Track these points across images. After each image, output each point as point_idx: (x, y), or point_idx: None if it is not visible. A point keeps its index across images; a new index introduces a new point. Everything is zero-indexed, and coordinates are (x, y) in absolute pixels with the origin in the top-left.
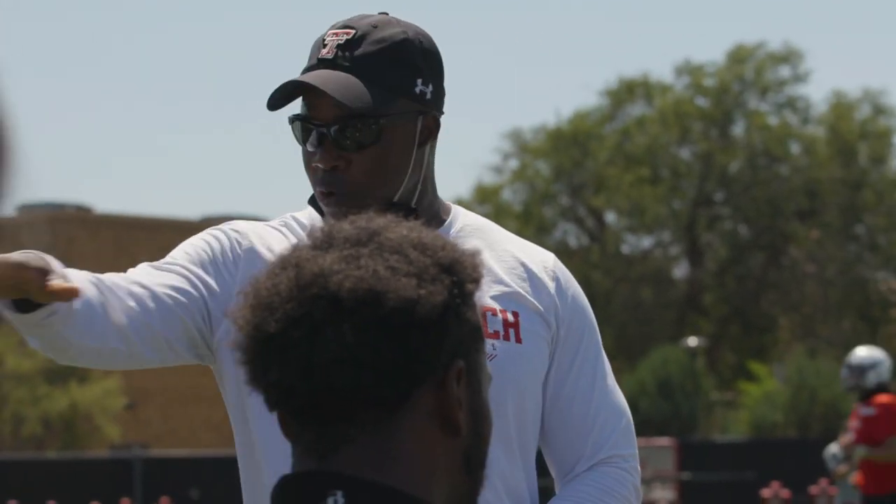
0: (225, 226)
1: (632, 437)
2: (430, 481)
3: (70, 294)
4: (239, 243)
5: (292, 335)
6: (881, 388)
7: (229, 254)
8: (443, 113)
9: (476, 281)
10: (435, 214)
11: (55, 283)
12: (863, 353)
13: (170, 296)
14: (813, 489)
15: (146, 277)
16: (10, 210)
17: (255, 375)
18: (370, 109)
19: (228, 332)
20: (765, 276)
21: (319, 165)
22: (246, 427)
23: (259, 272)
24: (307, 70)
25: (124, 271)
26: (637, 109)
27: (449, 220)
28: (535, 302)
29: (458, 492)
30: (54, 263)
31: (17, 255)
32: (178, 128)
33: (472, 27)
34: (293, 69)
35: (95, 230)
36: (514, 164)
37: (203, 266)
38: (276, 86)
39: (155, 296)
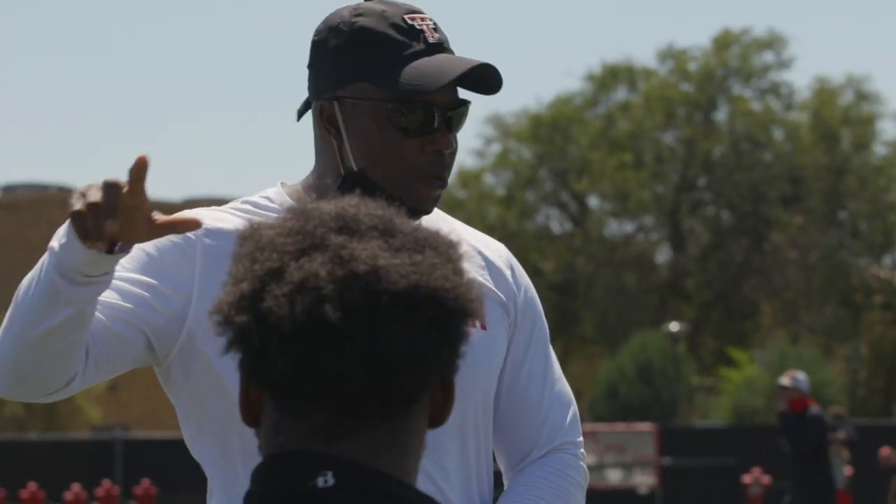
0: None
1: (579, 425)
2: (416, 468)
3: (189, 225)
4: (193, 240)
5: (353, 325)
6: None
7: (181, 257)
8: None
9: None
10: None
11: (167, 218)
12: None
13: (118, 322)
14: None
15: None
16: None
17: (303, 358)
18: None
19: (205, 332)
20: (747, 261)
21: (444, 150)
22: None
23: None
24: (416, 55)
25: None
26: (620, 95)
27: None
28: (496, 290)
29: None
30: None
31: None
32: (162, 110)
33: (452, 11)
34: (274, 53)
35: None
36: (495, 148)
37: (150, 273)
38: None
39: (109, 322)
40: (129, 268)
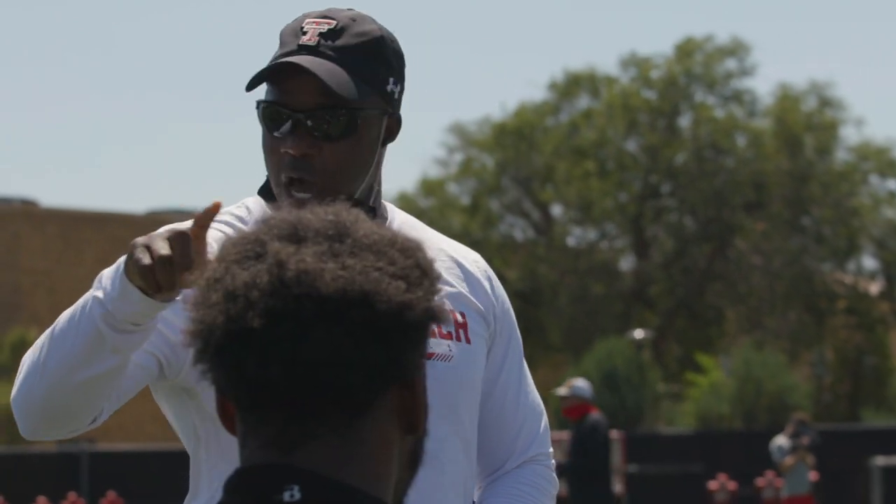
0: None
1: (548, 436)
2: (388, 479)
3: (216, 209)
4: None
5: (277, 332)
6: None
7: None
8: (401, 116)
9: (438, 280)
10: (381, 213)
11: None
12: None
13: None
14: (759, 481)
15: None
16: None
17: (225, 367)
18: (353, 99)
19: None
20: (711, 268)
21: (290, 151)
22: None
23: (215, 260)
24: (286, 55)
25: (70, 266)
26: (583, 103)
27: (389, 218)
28: (476, 301)
29: (399, 487)
30: None
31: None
32: (125, 120)
33: (416, 18)
34: (246, 61)
35: (41, 224)
36: (458, 157)
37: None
38: (260, 68)
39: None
40: None
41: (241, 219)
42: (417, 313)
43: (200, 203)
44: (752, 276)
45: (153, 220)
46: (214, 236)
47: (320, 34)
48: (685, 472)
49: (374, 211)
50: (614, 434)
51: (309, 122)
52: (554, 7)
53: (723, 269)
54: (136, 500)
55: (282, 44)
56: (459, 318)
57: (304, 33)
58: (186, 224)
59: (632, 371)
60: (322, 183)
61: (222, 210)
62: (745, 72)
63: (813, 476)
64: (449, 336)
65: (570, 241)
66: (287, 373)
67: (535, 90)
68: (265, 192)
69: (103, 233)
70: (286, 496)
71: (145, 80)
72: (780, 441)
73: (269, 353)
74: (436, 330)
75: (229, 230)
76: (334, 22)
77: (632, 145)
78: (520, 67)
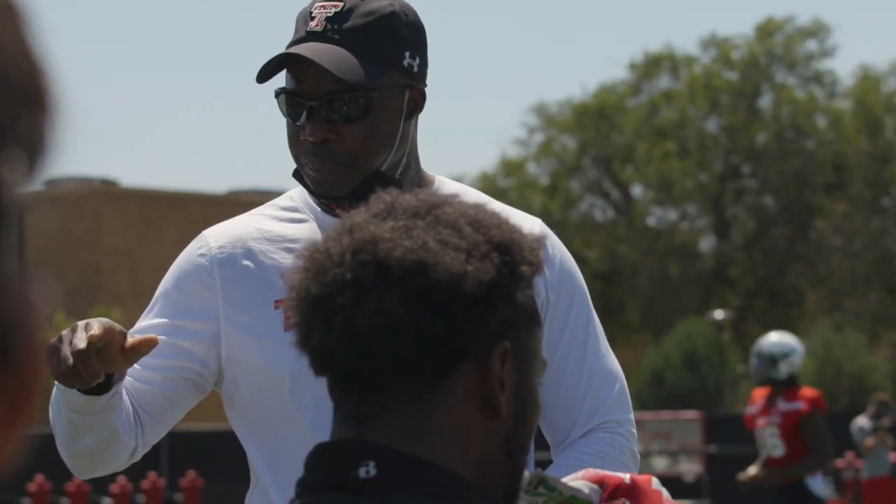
0: (194, 247)
1: (626, 402)
2: (464, 458)
3: (151, 344)
4: (208, 265)
5: (338, 299)
6: (792, 379)
7: (202, 288)
8: (426, 85)
9: (532, 264)
10: (418, 186)
11: (132, 340)
12: (774, 339)
13: (173, 377)
14: (839, 462)
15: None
16: (35, 185)
17: (302, 338)
18: (362, 82)
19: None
20: (791, 249)
21: (309, 139)
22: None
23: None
24: (295, 43)
25: (151, 246)
26: (663, 83)
27: (435, 189)
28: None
29: (498, 475)
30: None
31: (93, 320)
32: (205, 99)
33: (494, 4)
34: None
35: (122, 204)
36: (539, 137)
37: (178, 315)
38: (268, 59)
39: (163, 379)
40: (158, 314)
41: (285, 208)
42: (474, 285)
43: (281, 183)
44: (833, 258)
45: (234, 199)
46: (262, 229)
47: (327, 18)
48: None
49: (398, 182)
50: (694, 415)
51: (323, 110)
52: None
53: (803, 250)
54: (216, 480)
55: (295, 30)
56: None
57: (312, 18)
58: (98, 321)
59: (712, 352)
60: (343, 163)
61: (268, 203)
62: (826, 53)
63: (894, 457)
64: None
65: (651, 222)
66: (346, 341)
67: (615, 70)
68: (299, 175)
69: (184, 213)
70: (362, 472)
71: (227, 59)
72: (862, 422)
73: (331, 322)
74: None
75: (274, 222)
76: (341, 4)
77: (712, 126)
78: (600, 48)
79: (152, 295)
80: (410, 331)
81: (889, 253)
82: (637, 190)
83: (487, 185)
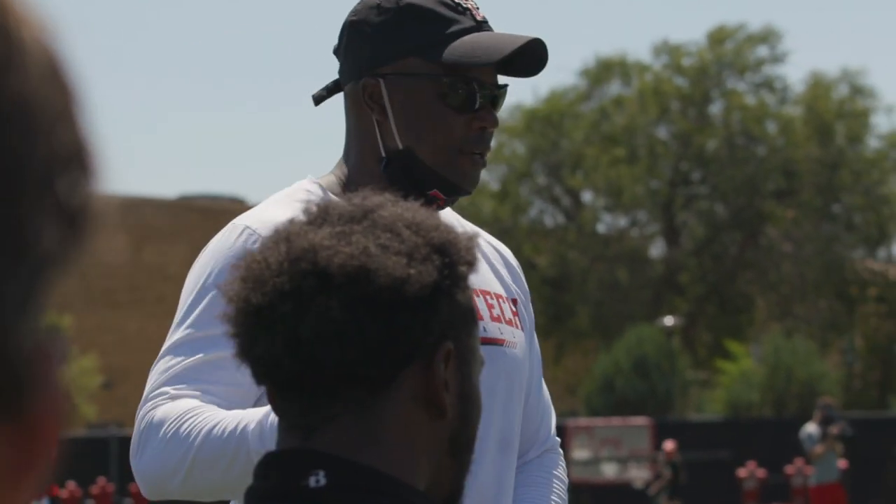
0: (237, 237)
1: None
2: (413, 463)
3: None
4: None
5: (279, 308)
6: None
7: None
8: None
9: (469, 263)
10: None
11: None
12: None
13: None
14: (789, 468)
15: (205, 388)
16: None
17: (243, 348)
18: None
19: None
20: (742, 255)
21: (488, 127)
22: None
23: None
24: (465, 31)
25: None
26: (614, 89)
27: None
28: (517, 289)
29: (444, 475)
30: None
31: None
32: (156, 104)
33: None
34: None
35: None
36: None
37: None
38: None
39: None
40: (212, 323)
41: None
42: (416, 288)
43: (232, 188)
44: (783, 264)
45: (184, 204)
46: (281, 214)
47: (477, 9)
48: (714, 459)
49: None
50: (644, 421)
51: (497, 98)
52: None
53: (753, 256)
54: None
55: (440, 20)
56: (512, 305)
57: (468, 9)
58: None
59: (661, 358)
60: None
61: (283, 193)
62: (777, 59)
63: (842, 464)
64: (510, 323)
65: (600, 228)
66: (290, 350)
67: (566, 76)
68: (393, 169)
69: (134, 217)
70: (311, 481)
71: (186, 62)
72: (810, 429)
73: (274, 331)
74: (504, 316)
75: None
76: None
77: (663, 132)
78: (551, 53)
79: (102, 300)
80: (355, 337)
81: (839, 259)
82: (587, 196)
83: None
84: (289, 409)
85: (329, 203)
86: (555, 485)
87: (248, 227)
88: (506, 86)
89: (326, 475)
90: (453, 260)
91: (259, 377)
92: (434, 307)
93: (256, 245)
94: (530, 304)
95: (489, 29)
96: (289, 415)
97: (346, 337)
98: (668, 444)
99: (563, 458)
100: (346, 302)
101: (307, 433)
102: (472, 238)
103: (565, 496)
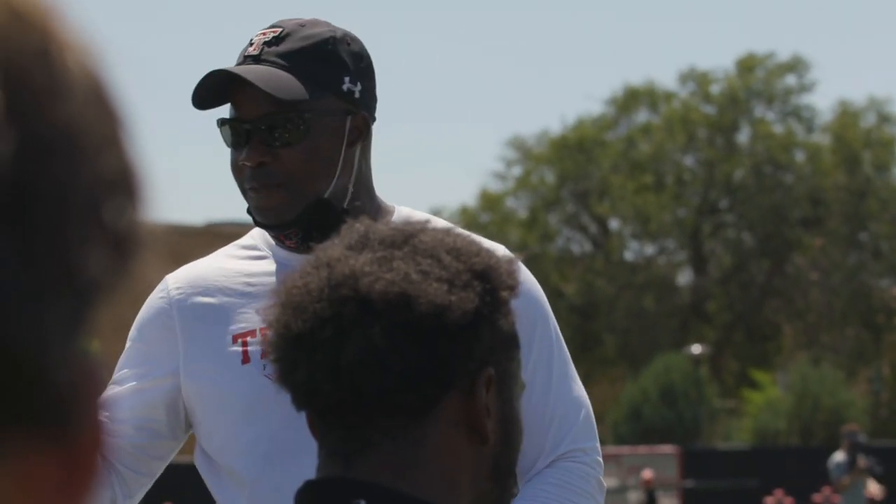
0: (155, 292)
1: (592, 430)
2: (454, 490)
3: None
4: (168, 307)
5: (320, 335)
6: None
7: (164, 331)
8: (374, 118)
9: (511, 288)
10: (373, 216)
11: None
12: None
13: (143, 426)
14: (816, 497)
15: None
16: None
17: (283, 374)
18: (296, 101)
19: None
20: (769, 283)
21: (247, 163)
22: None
23: (291, 273)
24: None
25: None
26: (642, 117)
27: (393, 220)
28: None
29: (485, 501)
30: None
31: None
32: (181, 133)
33: (475, 33)
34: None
35: None
36: (517, 171)
37: (140, 363)
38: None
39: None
40: (124, 365)
41: (245, 246)
42: (458, 315)
43: None
44: (810, 292)
45: (212, 231)
46: (222, 267)
47: (264, 43)
48: (742, 488)
49: (346, 212)
50: (671, 449)
51: (259, 133)
52: (614, 21)
53: (780, 284)
54: None
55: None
56: None
57: (251, 45)
58: None
59: (689, 386)
60: (281, 185)
61: (232, 243)
62: (805, 88)
63: (876, 491)
64: None
65: (628, 256)
66: (331, 377)
67: (593, 104)
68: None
69: (162, 244)
70: None
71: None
72: (839, 458)
73: (315, 358)
74: None
75: (233, 261)
76: (280, 30)
77: (690, 160)
78: (579, 81)
79: (129, 327)
80: (396, 364)
81: (866, 288)
82: (614, 224)
83: (468, 219)
84: (329, 436)
85: (370, 227)
86: (549, 495)
87: (165, 281)
88: (269, 117)
89: (367, 503)
90: (494, 286)
91: (299, 403)
92: (475, 334)
93: (163, 299)
94: (531, 307)
95: (255, 62)
96: (329, 441)
97: (386, 364)
98: (647, 473)
99: (589, 463)
100: (387, 329)
101: (347, 460)
102: (512, 262)
103: (584, 494)
